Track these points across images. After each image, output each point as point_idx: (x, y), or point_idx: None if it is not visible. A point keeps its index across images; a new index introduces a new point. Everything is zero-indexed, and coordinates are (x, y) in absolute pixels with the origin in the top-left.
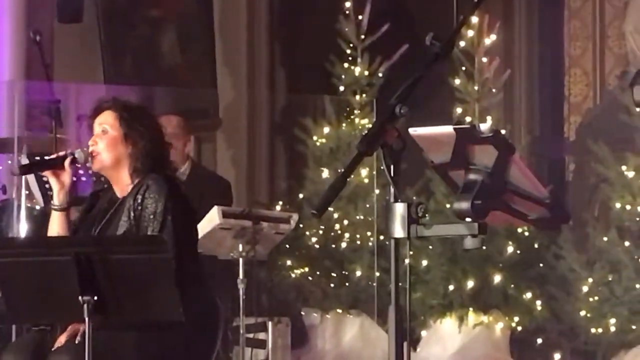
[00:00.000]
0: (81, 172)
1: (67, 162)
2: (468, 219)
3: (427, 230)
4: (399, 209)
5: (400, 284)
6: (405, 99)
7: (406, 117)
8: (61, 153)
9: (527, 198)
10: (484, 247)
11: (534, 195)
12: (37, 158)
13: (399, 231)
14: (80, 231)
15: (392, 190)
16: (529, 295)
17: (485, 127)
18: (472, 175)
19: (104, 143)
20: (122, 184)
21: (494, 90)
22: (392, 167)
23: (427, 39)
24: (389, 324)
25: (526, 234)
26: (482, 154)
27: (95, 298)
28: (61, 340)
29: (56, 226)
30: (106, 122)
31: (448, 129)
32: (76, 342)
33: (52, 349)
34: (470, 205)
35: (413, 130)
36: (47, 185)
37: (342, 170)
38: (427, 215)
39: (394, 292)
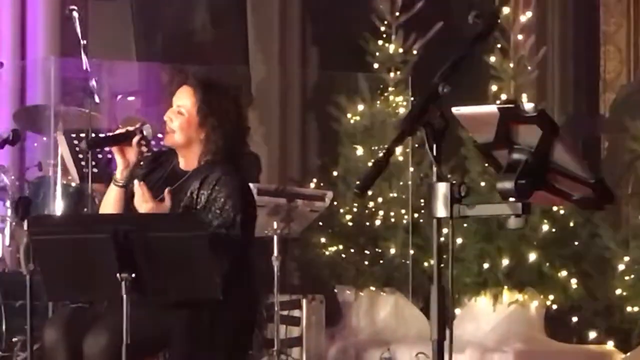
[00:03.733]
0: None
1: (135, 140)
2: (512, 199)
3: (469, 210)
4: (442, 188)
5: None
6: (448, 77)
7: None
8: (130, 128)
9: (572, 178)
10: None
11: (578, 175)
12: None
13: (441, 211)
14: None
15: (434, 169)
16: (564, 273)
17: (529, 106)
18: (515, 154)
19: (178, 123)
20: (190, 159)
21: (529, 67)
22: (434, 146)
23: (469, 17)
24: (431, 304)
25: (561, 212)
26: (526, 134)
27: (133, 275)
28: None
29: (113, 201)
30: (183, 105)
31: (492, 108)
32: None
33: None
34: (514, 185)
35: (456, 110)
36: (82, 163)
37: (377, 147)
38: (469, 194)
39: (436, 272)
